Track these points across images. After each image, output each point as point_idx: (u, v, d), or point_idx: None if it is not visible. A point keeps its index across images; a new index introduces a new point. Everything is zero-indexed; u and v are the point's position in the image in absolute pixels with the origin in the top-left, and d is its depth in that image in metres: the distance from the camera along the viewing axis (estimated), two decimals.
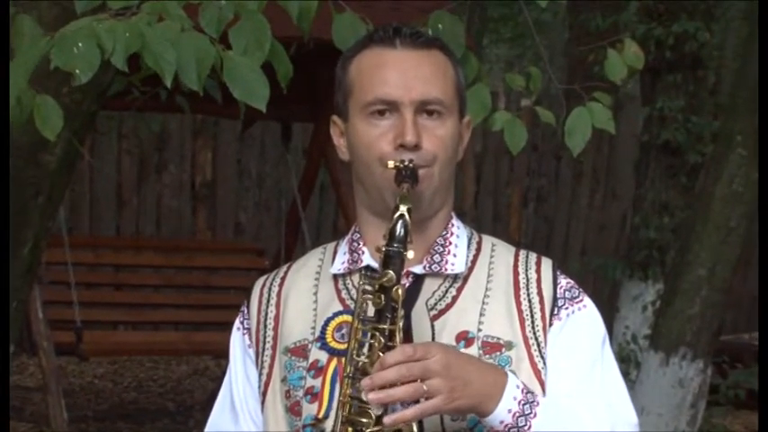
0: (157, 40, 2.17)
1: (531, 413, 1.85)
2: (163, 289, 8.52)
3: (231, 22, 2.31)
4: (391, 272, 1.83)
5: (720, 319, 5.57)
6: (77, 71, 2.13)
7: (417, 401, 1.80)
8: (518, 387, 1.86)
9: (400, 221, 1.84)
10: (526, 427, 1.85)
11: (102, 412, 8.01)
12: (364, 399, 1.80)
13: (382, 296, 1.83)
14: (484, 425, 1.86)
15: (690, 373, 5.50)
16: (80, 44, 2.13)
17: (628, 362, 7.35)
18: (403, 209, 1.85)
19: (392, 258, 1.84)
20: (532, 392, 1.88)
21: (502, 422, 1.84)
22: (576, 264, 10.23)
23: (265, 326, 2.03)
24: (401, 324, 1.84)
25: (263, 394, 2.01)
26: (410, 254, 1.84)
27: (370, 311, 1.86)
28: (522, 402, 1.85)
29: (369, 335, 1.84)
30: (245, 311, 2.07)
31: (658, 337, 5.57)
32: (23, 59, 2.16)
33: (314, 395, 1.94)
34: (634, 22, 7.47)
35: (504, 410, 1.84)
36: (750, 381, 8.67)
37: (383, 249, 1.84)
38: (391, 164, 1.90)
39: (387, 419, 1.79)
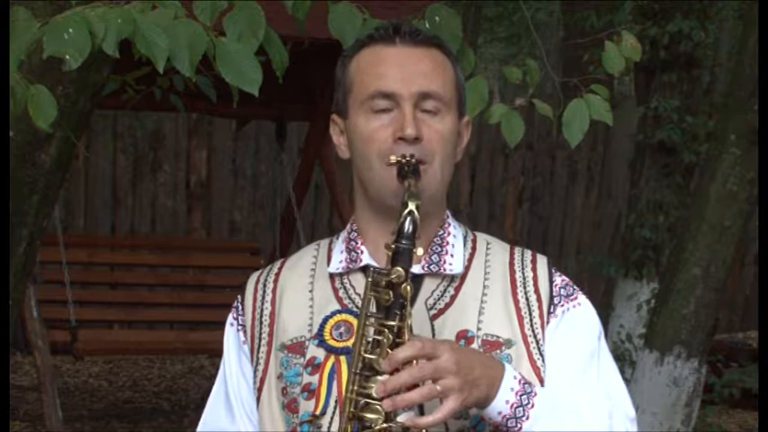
0: (150, 26, 2.15)
1: (528, 404, 1.85)
2: (158, 288, 8.51)
3: (225, 11, 2.30)
4: (400, 268, 1.81)
5: (715, 318, 5.58)
6: (68, 57, 2.12)
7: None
8: (515, 378, 1.86)
9: (409, 218, 1.82)
10: (524, 418, 1.84)
11: (98, 411, 8.00)
12: (374, 395, 1.78)
13: (391, 293, 1.81)
14: (483, 418, 1.86)
15: (684, 372, 5.50)
16: (71, 30, 2.12)
17: (622, 361, 7.35)
18: (411, 205, 1.83)
19: (401, 255, 1.81)
20: (530, 383, 1.87)
21: (500, 413, 1.84)
22: (571, 262, 10.24)
23: (261, 322, 2.02)
24: (410, 321, 1.82)
25: (259, 390, 2.00)
26: (419, 251, 1.83)
27: (372, 309, 1.84)
28: (520, 393, 1.85)
29: (376, 331, 1.82)
30: (240, 307, 2.06)
31: (653, 336, 5.57)
32: (14, 46, 2.15)
33: (311, 392, 1.94)
34: (629, 22, 7.47)
35: (502, 401, 1.83)
36: (744, 380, 8.68)
37: (392, 246, 1.82)
38: (393, 158, 1.89)
39: (409, 423, 1.78)
